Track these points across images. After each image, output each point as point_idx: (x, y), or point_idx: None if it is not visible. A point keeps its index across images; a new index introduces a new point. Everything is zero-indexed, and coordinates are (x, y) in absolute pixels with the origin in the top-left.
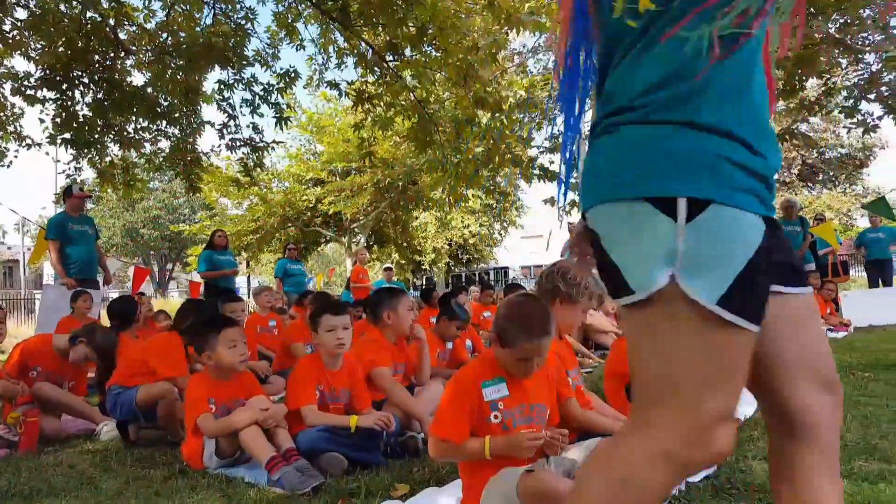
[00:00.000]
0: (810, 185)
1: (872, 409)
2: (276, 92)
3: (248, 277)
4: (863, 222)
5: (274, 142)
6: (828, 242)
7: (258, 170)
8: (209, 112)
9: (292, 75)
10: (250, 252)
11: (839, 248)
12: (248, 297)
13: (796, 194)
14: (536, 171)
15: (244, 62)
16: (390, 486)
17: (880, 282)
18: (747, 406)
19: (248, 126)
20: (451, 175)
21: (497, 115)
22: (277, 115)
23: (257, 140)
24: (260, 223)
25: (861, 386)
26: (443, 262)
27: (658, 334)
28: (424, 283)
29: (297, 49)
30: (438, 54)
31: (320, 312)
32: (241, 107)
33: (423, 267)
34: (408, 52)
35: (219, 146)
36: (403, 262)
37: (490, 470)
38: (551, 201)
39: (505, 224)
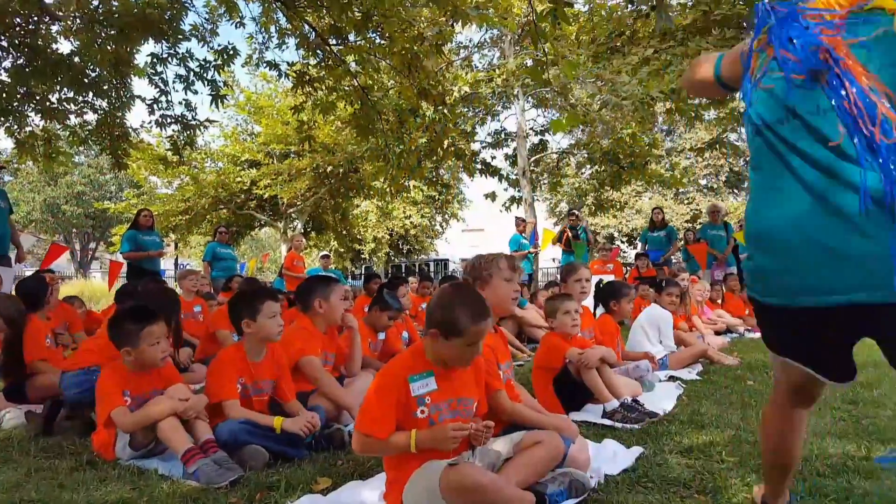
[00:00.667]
0: (736, 191)
1: None
2: (212, 69)
3: (176, 260)
4: None
5: (207, 120)
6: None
7: (188, 149)
8: (140, 86)
9: (230, 53)
10: (179, 233)
11: None
12: (175, 281)
13: (723, 200)
14: (479, 166)
15: (180, 36)
16: (312, 480)
17: None
18: (666, 401)
19: (180, 103)
20: (394, 165)
21: (440, 107)
22: (213, 93)
23: (189, 118)
24: (190, 204)
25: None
26: (383, 252)
27: None
28: (363, 272)
29: (236, 26)
30: (384, 42)
31: (262, 298)
32: (174, 82)
33: (363, 256)
34: (352, 37)
35: (149, 122)
36: (342, 250)
37: (415, 463)
38: (492, 196)
39: (447, 216)
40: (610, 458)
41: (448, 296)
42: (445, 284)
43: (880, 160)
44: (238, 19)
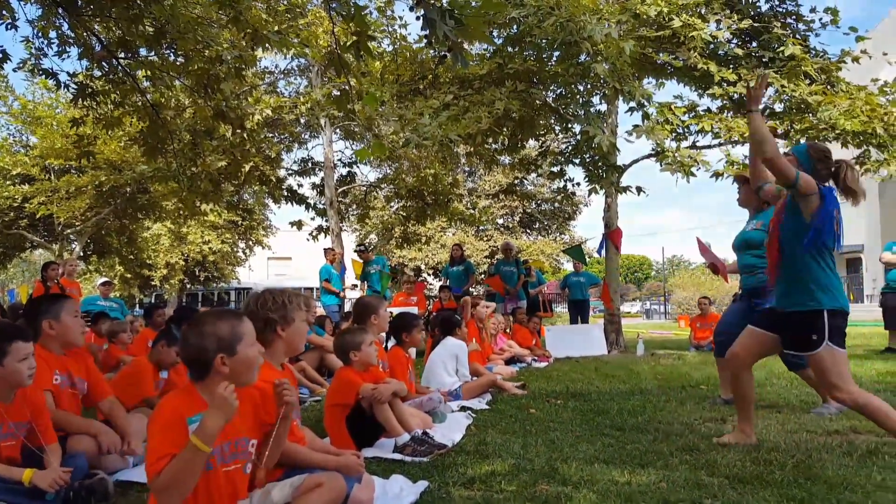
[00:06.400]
0: (528, 231)
1: (559, 434)
2: None
3: None
4: (569, 266)
5: None
6: (536, 283)
7: None
8: None
9: None
10: None
11: (553, 279)
12: None
13: (517, 239)
14: (285, 193)
15: None
16: None
17: (579, 319)
18: (456, 432)
19: None
20: (184, 187)
21: (239, 131)
22: None
23: None
24: None
25: (552, 412)
26: (176, 279)
27: None
28: (154, 300)
29: (7, 28)
30: (178, 60)
31: (10, 339)
32: None
33: (153, 283)
34: (143, 51)
35: None
36: (129, 276)
37: None
38: (298, 224)
39: (251, 243)
40: (396, 495)
41: (216, 316)
42: (199, 315)
43: None
44: (10, 20)
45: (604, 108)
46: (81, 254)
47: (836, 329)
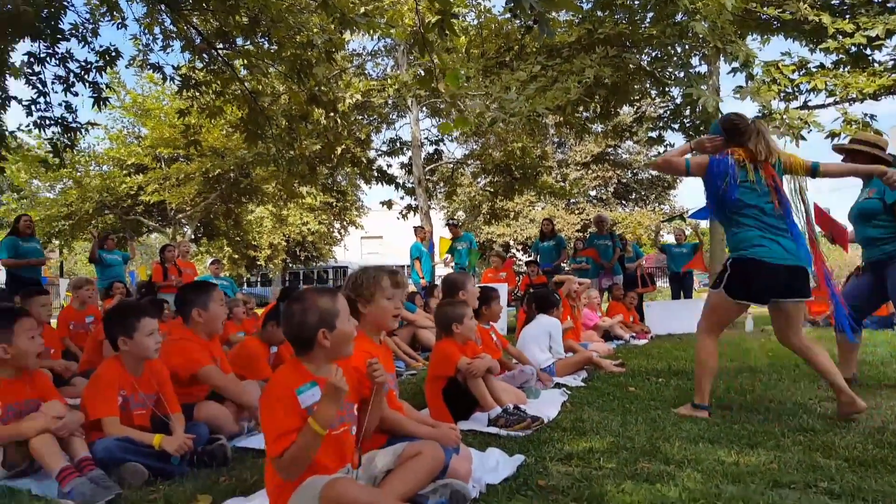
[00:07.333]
0: (624, 202)
1: (660, 413)
2: (94, 70)
3: (61, 266)
4: (669, 238)
5: (89, 123)
6: (633, 257)
7: (70, 151)
8: (16, 86)
9: (113, 55)
10: (62, 239)
11: (651, 252)
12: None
13: (611, 211)
14: (375, 173)
15: (59, 36)
16: (191, 498)
17: (682, 294)
18: (551, 408)
19: (60, 104)
20: (283, 170)
21: (332, 114)
22: (94, 95)
23: (70, 120)
24: (73, 209)
25: (653, 390)
26: (279, 259)
27: None
28: (260, 279)
29: (118, 27)
30: (273, 47)
31: (139, 315)
32: (53, 83)
33: (258, 263)
34: (240, 41)
35: (27, 125)
36: (236, 256)
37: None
38: (388, 204)
39: (345, 223)
40: (493, 468)
41: (315, 293)
42: (299, 293)
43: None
44: (120, 20)
45: (703, 69)
46: (192, 237)
47: (736, 278)
